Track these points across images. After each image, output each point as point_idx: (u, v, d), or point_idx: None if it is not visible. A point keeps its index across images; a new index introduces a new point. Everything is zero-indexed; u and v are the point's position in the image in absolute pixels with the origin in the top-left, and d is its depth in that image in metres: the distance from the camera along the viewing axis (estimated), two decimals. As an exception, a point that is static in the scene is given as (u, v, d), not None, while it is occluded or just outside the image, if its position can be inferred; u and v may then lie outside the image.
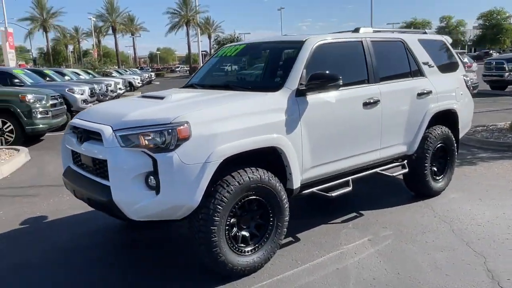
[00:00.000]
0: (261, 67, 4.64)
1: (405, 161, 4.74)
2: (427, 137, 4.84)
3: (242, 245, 3.33)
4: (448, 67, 5.36)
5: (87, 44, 65.37)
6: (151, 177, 2.93)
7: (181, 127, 2.93)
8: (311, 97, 3.66)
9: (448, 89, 5.08)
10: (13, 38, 24.32)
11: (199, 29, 64.33)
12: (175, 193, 2.94)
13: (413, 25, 59.33)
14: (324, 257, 3.64)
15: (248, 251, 3.33)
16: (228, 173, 3.15)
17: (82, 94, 12.48)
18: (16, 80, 11.65)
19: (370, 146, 4.25)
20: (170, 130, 2.92)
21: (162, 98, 3.67)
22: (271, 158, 3.49)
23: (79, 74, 19.77)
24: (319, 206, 4.95)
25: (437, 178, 5.11)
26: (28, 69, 15.27)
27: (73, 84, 13.36)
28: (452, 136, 5.14)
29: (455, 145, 5.22)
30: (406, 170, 4.70)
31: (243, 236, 3.34)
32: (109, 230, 4.42)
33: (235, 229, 3.28)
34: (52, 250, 3.98)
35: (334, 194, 3.90)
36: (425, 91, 4.75)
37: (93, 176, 3.32)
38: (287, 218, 3.54)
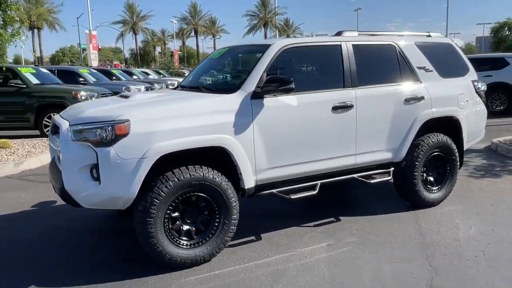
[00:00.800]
0: (236, 69, 4.78)
1: (392, 168, 4.58)
2: (419, 144, 4.64)
3: (185, 238, 3.51)
4: (453, 71, 5.07)
5: (174, 45, 69.06)
6: (95, 169, 3.24)
7: (120, 124, 3.20)
8: (269, 100, 3.74)
9: (448, 95, 4.81)
10: (97, 40, 26.68)
11: (277, 31, 65.46)
12: (113, 184, 3.22)
13: (507, 25, 54.72)
14: (273, 257, 3.70)
15: (189, 245, 3.51)
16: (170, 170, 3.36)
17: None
18: (81, 79, 12.87)
19: (343, 151, 4.20)
20: (110, 127, 3.20)
21: (127, 97, 3.98)
22: (225, 158, 3.63)
23: (148, 74, 21.15)
24: (301, 209, 4.96)
25: (432, 188, 4.86)
26: (120, 69, 16.58)
27: (131, 83, 14.41)
28: (453, 145, 4.85)
29: (457, 155, 4.91)
30: (389, 178, 4.54)
31: (187, 230, 3.52)
32: (102, 217, 4.82)
33: (178, 223, 3.48)
34: (46, 231, 4.47)
35: (294, 196, 3.93)
36: (415, 97, 4.56)
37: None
38: (236, 216, 3.66)
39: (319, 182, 4.11)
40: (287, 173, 3.93)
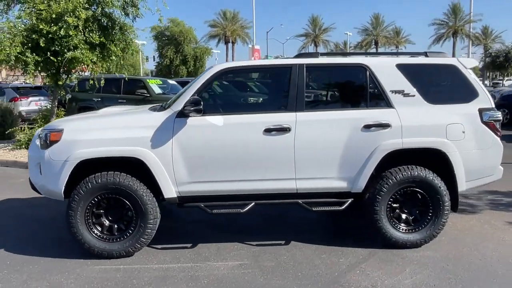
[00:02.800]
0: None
1: (350, 199, 4.27)
2: (384, 177, 4.21)
3: (106, 232, 4.12)
4: (451, 97, 4.35)
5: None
6: (40, 166, 4.14)
7: (55, 132, 4.02)
8: (193, 120, 4.05)
9: (431, 124, 4.19)
10: (259, 54, 29.05)
11: (469, 40, 58.99)
12: (48, 180, 4.06)
13: None
14: (180, 264, 4.00)
15: (108, 239, 4.10)
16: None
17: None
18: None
19: (279, 174, 4.16)
20: (47, 134, 4.05)
21: (97, 110, 4.80)
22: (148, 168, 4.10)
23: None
24: (262, 227, 4.99)
25: (405, 228, 4.30)
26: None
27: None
28: (437, 183, 4.20)
29: (443, 194, 4.22)
30: (340, 208, 4.25)
31: (110, 226, 4.13)
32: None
33: (103, 219, 4.11)
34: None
35: (214, 211, 4.14)
36: (378, 123, 4.15)
37: None
38: (153, 221, 4.08)
39: (253, 202, 4.19)
40: (212, 188, 4.15)
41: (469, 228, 4.89)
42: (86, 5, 8.97)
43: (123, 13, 9.48)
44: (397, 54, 4.58)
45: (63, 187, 4.01)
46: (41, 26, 8.49)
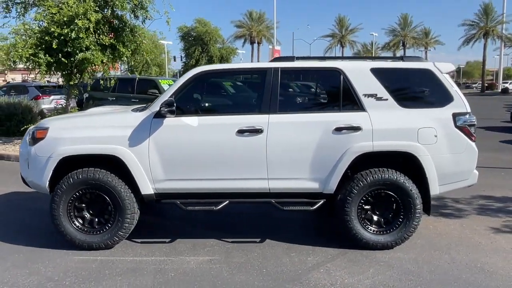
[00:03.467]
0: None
1: (322, 200, 4.38)
2: (354, 179, 4.29)
3: (87, 225, 4.37)
4: (424, 101, 4.39)
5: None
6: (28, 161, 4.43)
7: (40, 130, 4.30)
8: (170, 120, 4.25)
9: (402, 127, 4.24)
10: (280, 55, 29.17)
11: (501, 42, 57.30)
12: (34, 174, 4.34)
13: None
14: (154, 258, 4.19)
15: (89, 231, 4.34)
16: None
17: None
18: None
19: (251, 174, 4.30)
20: (34, 132, 4.33)
21: (85, 110, 5.06)
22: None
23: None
24: (247, 225, 5.14)
25: (376, 230, 4.37)
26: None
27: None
28: (408, 186, 4.25)
29: (415, 197, 4.26)
30: (311, 208, 4.35)
31: (90, 219, 4.37)
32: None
33: (84, 213, 4.36)
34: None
35: (189, 208, 4.32)
36: (349, 126, 4.23)
37: None
38: (130, 216, 4.30)
39: (227, 200, 4.35)
40: (187, 186, 4.33)
41: (448, 232, 4.90)
42: (97, 8, 9.33)
43: (132, 16, 9.81)
44: (372, 58, 4.62)
45: (48, 182, 4.27)
46: (52, 29, 8.90)
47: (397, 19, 75.43)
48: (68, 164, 4.29)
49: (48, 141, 4.28)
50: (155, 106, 4.32)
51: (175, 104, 4.13)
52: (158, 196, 4.39)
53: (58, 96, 15.52)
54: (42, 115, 14.29)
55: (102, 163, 4.33)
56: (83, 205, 4.37)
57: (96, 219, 4.39)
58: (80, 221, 4.38)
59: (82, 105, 13.70)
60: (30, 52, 8.83)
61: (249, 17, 61.12)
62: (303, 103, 4.39)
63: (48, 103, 15.48)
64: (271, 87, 4.34)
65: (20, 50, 8.71)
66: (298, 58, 4.60)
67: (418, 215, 4.32)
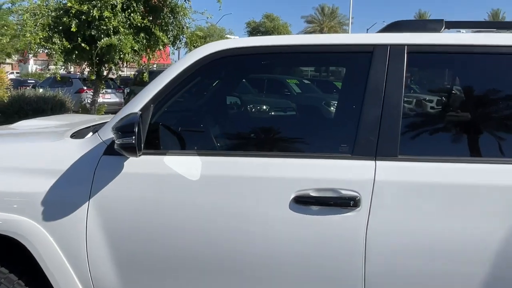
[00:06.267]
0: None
1: None
2: None
3: None
4: None
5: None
6: None
7: None
8: (138, 162, 1.82)
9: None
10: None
11: None
12: None
13: None
14: None
15: None
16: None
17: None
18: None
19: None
20: None
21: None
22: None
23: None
24: None
25: None
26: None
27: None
28: None
29: None
30: None
31: None
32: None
33: None
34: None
35: None
36: None
37: None
38: None
39: None
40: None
41: None
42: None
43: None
44: None
45: None
46: (69, 3, 6.88)
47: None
48: None
49: None
50: (107, 130, 1.90)
51: (140, 132, 1.68)
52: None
53: (103, 90, 13.88)
54: (87, 111, 12.71)
55: None
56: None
57: None
58: None
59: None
60: (41, 36, 6.85)
61: (321, 12, 57.79)
62: (467, 133, 1.78)
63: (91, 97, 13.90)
64: (383, 93, 1.75)
65: (28, 35, 6.74)
66: (450, 25, 1.95)
67: None
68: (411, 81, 1.99)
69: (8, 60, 25.63)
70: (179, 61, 1.94)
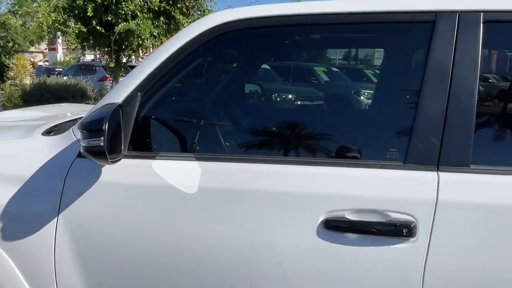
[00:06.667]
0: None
1: None
2: None
3: None
4: None
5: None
6: None
7: None
8: (117, 167, 1.39)
9: None
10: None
11: None
12: None
13: None
14: None
15: None
16: None
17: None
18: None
19: None
20: None
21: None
22: None
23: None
24: None
25: None
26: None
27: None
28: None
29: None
30: None
31: None
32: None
33: None
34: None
35: None
36: None
37: None
38: None
39: None
40: None
41: None
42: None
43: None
44: None
45: None
46: (84, -14, 6.54)
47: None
48: None
49: None
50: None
51: (132, 119, 1.28)
52: None
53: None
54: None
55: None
56: None
57: None
58: None
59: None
60: (53, 18, 6.54)
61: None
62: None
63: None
64: (447, 78, 1.26)
65: (40, 16, 6.45)
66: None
67: None
68: (490, 62, 1.48)
69: (40, 49, 25.98)
70: (176, 35, 1.50)
